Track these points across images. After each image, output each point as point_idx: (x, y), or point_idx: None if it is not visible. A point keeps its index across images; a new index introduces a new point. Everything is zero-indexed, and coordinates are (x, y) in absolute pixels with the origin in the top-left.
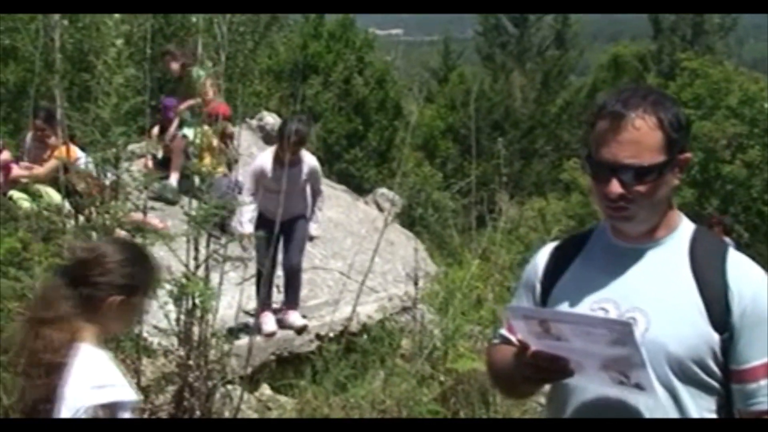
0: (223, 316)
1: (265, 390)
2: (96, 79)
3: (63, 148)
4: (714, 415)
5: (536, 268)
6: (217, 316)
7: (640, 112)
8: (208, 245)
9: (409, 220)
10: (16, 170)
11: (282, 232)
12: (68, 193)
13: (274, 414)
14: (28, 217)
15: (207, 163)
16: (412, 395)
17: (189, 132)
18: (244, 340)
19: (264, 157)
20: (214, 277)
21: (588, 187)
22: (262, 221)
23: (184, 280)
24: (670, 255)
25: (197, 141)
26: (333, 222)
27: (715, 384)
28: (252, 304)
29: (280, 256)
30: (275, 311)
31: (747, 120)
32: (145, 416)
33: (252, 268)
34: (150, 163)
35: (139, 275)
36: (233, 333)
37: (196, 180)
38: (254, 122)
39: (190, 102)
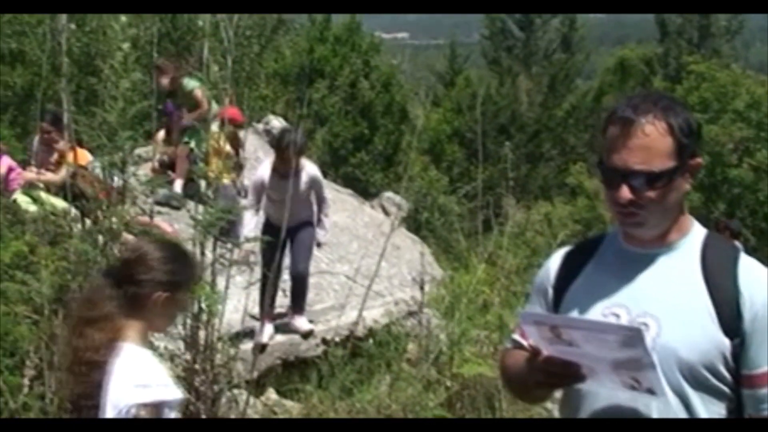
0: (230, 320)
1: (271, 394)
2: (103, 83)
3: (81, 153)
4: None
5: (548, 273)
6: (224, 321)
7: (650, 117)
8: (214, 249)
9: (415, 224)
10: (30, 175)
11: (288, 238)
12: (75, 196)
13: None
14: (34, 221)
15: (215, 168)
16: (418, 400)
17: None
18: (250, 345)
19: (263, 169)
20: (221, 282)
21: (594, 191)
22: (268, 227)
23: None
24: (682, 260)
25: (203, 147)
26: (339, 226)
27: (726, 389)
28: (258, 309)
29: (287, 261)
30: (281, 316)
31: (754, 124)
32: None
33: (258, 273)
34: (156, 164)
35: (181, 271)
36: (239, 337)
37: (202, 185)
38: (260, 126)
39: (193, 115)
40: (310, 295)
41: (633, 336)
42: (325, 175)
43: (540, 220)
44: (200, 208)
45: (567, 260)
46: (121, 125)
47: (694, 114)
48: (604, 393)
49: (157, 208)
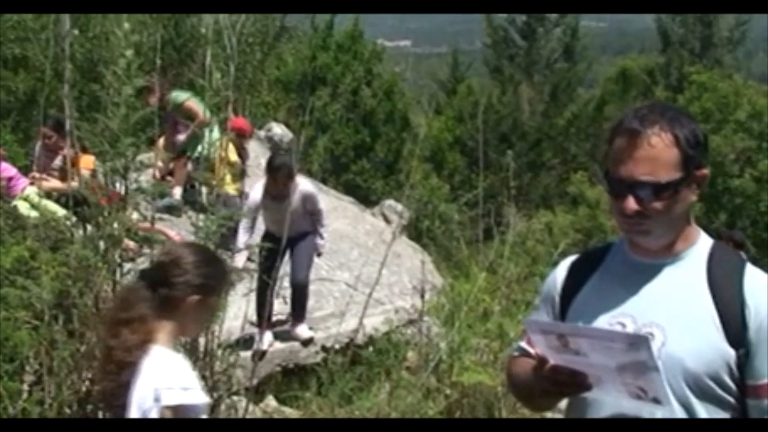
0: (229, 327)
1: (271, 401)
2: (105, 89)
3: (85, 159)
4: None
5: (555, 281)
6: (223, 328)
7: (657, 129)
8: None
9: (416, 232)
10: (53, 182)
11: (288, 247)
12: (76, 202)
13: None
14: (35, 227)
15: (226, 179)
16: (418, 408)
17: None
18: (249, 352)
19: (256, 192)
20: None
21: (595, 200)
22: (268, 235)
23: None
24: (688, 270)
25: (204, 152)
26: (339, 233)
27: (731, 399)
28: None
29: (286, 269)
30: (281, 323)
31: (755, 134)
32: None
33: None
34: (158, 173)
35: (214, 276)
36: (239, 344)
37: (203, 191)
38: (262, 133)
39: (189, 132)
40: (310, 302)
41: (639, 344)
42: (325, 182)
43: (541, 228)
44: (201, 215)
45: (574, 269)
46: (124, 131)
47: None
48: (609, 401)
49: (157, 214)
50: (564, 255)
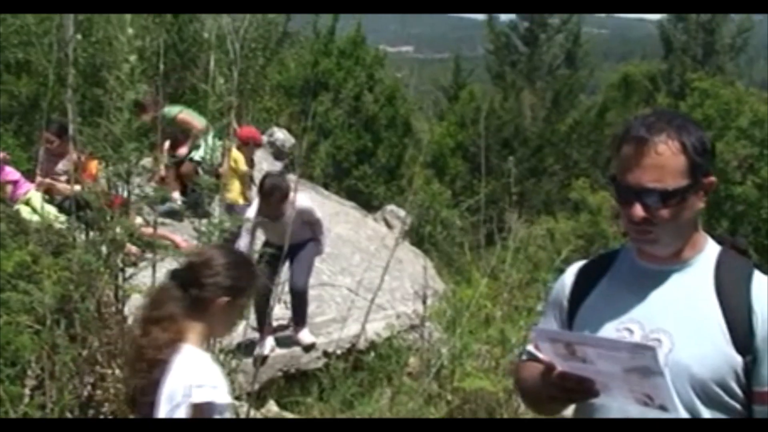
0: None
1: (272, 407)
2: (108, 94)
3: (93, 164)
4: None
5: (563, 287)
6: None
7: (664, 137)
8: None
9: (417, 237)
10: (60, 186)
11: (289, 254)
12: (78, 207)
13: None
14: (37, 231)
15: (236, 188)
16: (419, 414)
17: (199, 155)
18: (251, 357)
19: (250, 213)
20: None
21: (597, 206)
22: (269, 244)
23: None
24: (696, 277)
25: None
26: (341, 238)
27: (738, 406)
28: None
29: (287, 274)
30: (283, 328)
31: (758, 141)
32: None
33: None
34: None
35: (243, 278)
36: (240, 349)
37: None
38: (265, 138)
39: (188, 143)
40: (312, 308)
41: (646, 354)
42: (327, 187)
43: (543, 234)
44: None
45: (582, 275)
46: (127, 136)
47: None
48: (615, 407)
49: (159, 219)
50: (566, 261)
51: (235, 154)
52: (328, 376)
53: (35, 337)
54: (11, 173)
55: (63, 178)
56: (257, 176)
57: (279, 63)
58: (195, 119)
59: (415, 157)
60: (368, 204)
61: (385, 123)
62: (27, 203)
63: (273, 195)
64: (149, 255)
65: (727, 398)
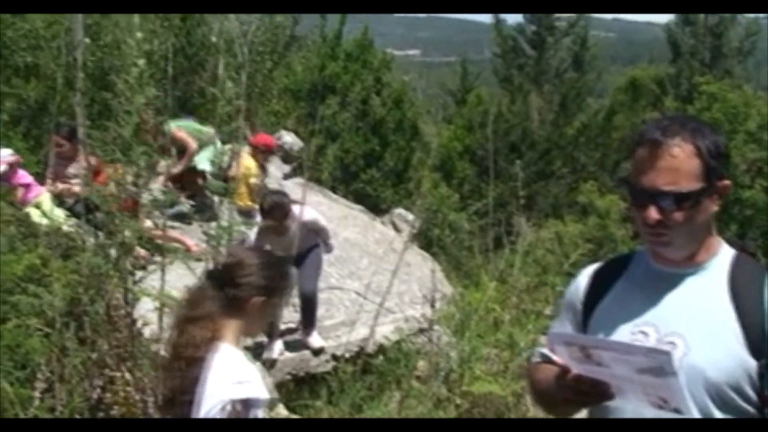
0: None
1: (281, 410)
2: (117, 97)
3: (109, 169)
4: None
5: (578, 289)
6: None
7: (678, 140)
8: None
9: (425, 241)
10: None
11: (297, 260)
12: (88, 210)
13: None
14: (47, 234)
15: (243, 192)
16: (428, 417)
17: (203, 164)
18: (259, 361)
19: (251, 235)
20: None
21: (605, 209)
22: None
23: None
24: (710, 281)
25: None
26: (349, 242)
27: (752, 409)
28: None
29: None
30: (292, 331)
31: (766, 145)
32: None
33: None
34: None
35: (277, 278)
36: (249, 353)
37: (215, 200)
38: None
39: (183, 161)
40: (321, 311)
41: (661, 358)
42: (335, 190)
43: (551, 238)
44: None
45: (596, 277)
46: (135, 140)
47: None
48: (630, 409)
49: (169, 222)
50: (574, 265)
51: (248, 161)
52: (337, 379)
53: (45, 340)
54: (23, 176)
55: (73, 181)
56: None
57: (286, 67)
58: (191, 136)
59: (423, 160)
60: (376, 207)
61: (392, 126)
62: (38, 206)
63: (274, 213)
64: (158, 258)
65: (741, 402)
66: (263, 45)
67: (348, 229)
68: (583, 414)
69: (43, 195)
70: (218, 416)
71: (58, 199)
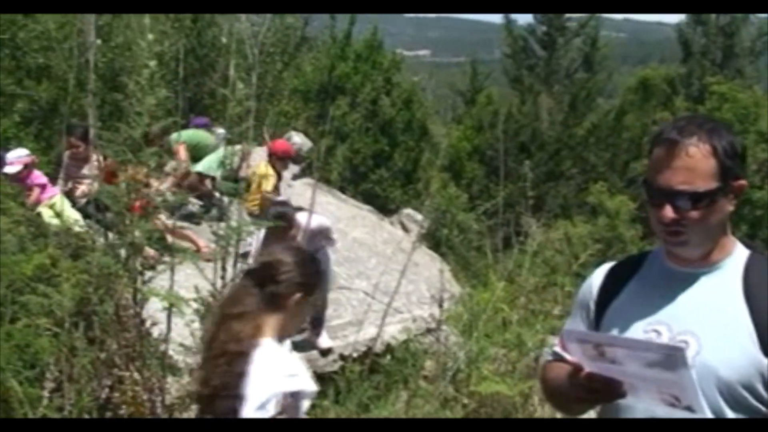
0: None
1: None
2: (128, 99)
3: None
4: None
5: (591, 288)
6: None
7: (695, 140)
8: (234, 264)
9: (434, 241)
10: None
11: None
12: (98, 210)
13: None
14: (57, 234)
15: (255, 198)
16: (435, 417)
17: (209, 168)
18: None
19: (255, 243)
20: None
21: (614, 210)
22: None
23: (210, 299)
24: (724, 280)
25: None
26: (358, 242)
27: (764, 409)
28: None
29: None
30: (300, 331)
31: None
32: None
33: None
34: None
35: (313, 275)
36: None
37: (225, 201)
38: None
39: (173, 179)
40: (329, 311)
41: (675, 355)
42: (344, 191)
43: (560, 239)
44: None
45: (610, 276)
46: (150, 138)
47: None
48: (641, 406)
49: (178, 222)
50: (583, 266)
51: (264, 169)
52: (345, 379)
53: (54, 340)
54: (39, 177)
55: (86, 181)
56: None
57: (296, 67)
58: (197, 146)
59: (432, 160)
60: (385, 208)
61: (401, 127)
62: (52, 207)
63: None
64: (167, 258)
65: (753, 401)
66: (274, 46)
67: (357, 229)
68: (593, 412)
69: (57, 196)
70: (272, 410)
71: (71, 200)
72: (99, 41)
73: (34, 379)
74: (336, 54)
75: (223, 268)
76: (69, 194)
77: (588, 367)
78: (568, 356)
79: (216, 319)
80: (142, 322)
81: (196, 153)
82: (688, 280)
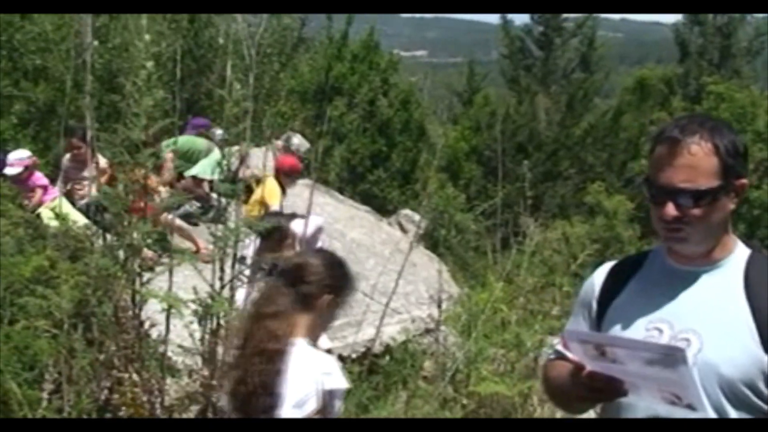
0: None
1: None
2: (125, 100)
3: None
4: None
5: (593, 287)
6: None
7: (697, 138)
8: (233, 266)
9: (432, 241)
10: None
11: None
12: (96, 211)
13: None
14: (55, 236)
15: (256, 213)
16: (434, 417)
17: (204, 172)
18: None
19: (248, 251)
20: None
21: (612, 210)
22: None
23: (209, 300)
24: (725, 278)
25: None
26: (356, 243)
27: (765, 407)
28: None
29: None
30: None
31: None
32: None
33: None
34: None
35: (343, 277)
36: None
37: (223, 202)
38: (280, 142)
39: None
40: None
41: (674, 355)
42: (342, 191)
43: (558, 238)
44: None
45: (611, 275)
46: (144, 142)
47: None
48: (642, 404)
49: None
50: (581, 266)
51: (271, 185)
52: None
53: (53, 342)
54: (41, 178)
55: (86, 183)
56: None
57: (293, 68)
58: (167, 163)
59: (430, 161)
60: (382, 208)
61: (399, 127)
62: (54, 209)
63: (272, 236)
64: (166, 260)
65: (754, 399)
66: (271, 47)
67: (355, 229)
68: (595, 410)
69: (60, 197)
70: (310, 408)
71: (71, 202)
72: (96, 42)
73: (33, 380)
74: (333, 54)
75: (222, 270)
76: (68, 196)
77: (589, 366)
78: (570, 355)
79: (251, 318)
80: (141, 323)
81: (188, 159)
82: (690, 279)
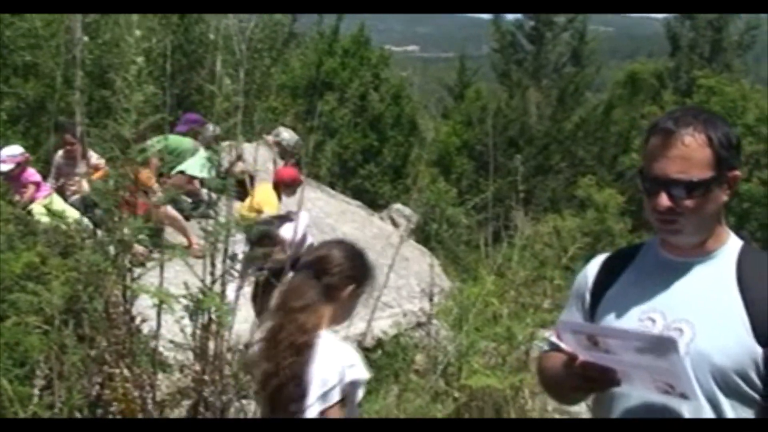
0: (239, 330)
1: None
2: (116, 95)
3: (145, 173)
4: None
5: (586, 278)
6: (233, 331)
7: (691, 129)
8: (224, 261)
9: (423, 235)
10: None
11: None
12: (87, 207)
13: None
14: (46, 232)
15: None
16: (426, 411)
17: (192, 169)
18: None
19: (238, 249)
20: (230, 293)
21: (603, 203)
22: None
23: (200, 296)
24: (718, 269)
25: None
26: (347, 237)
27: (756, 396)
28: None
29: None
30: None
31: (764, 138)
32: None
33: None
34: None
35: (364, 268)
36: (248, 348)
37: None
38: (271, 138)
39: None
40: None
41: (666, 344)
42: (333, 186)
43: (549, 232)
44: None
45: (605, 266)
46: (134, 138)
47: None
48: (636, 393)
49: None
50: (573, 259)
51: (267, 192)
52: None
53: (44, 338)
54: (33, 175)
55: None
56: (264, 176)
57: (284, 63)
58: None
59: (421, 155)
60: (374, 203)
61: (390, 122)
62: (47, 205)
63: (262, 243)
64: (157, 255)
65: (746, 388)
66: (261, 42)
67: (346, 224)
68: (587, 403)
69: (53, 194)
70: (335, 398)
71: (63, 198)
72: (86, 38)
73: (24, 377)
74: (324, 50)
75: (212, 265)
76: (60, 192)
77: (583, 357)
78: (563, 345)
79: (280, 312)
80: (132, 319)
81: (176, 157)
82: (683, 269)
